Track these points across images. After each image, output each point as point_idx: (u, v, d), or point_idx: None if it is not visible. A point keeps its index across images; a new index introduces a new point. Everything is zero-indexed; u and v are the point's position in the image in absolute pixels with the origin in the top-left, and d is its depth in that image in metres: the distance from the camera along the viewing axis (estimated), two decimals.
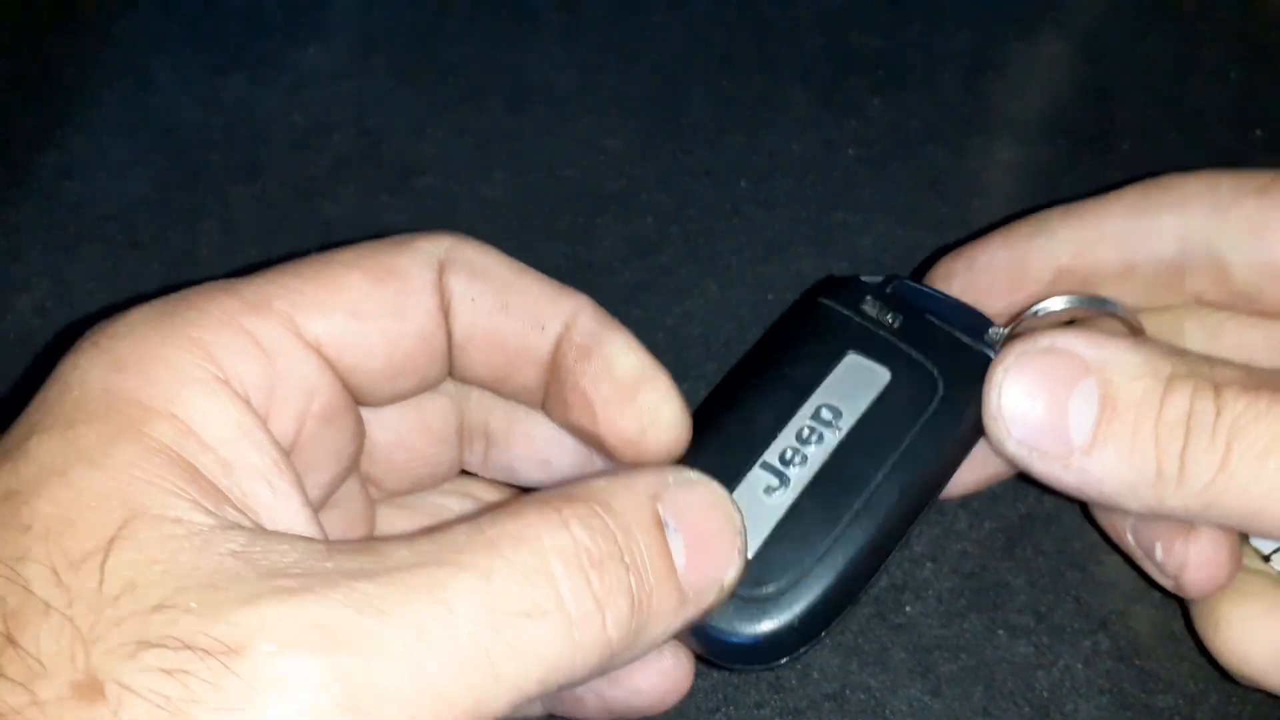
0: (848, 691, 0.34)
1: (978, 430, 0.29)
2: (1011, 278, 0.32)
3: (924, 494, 0.29)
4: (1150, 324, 0.32)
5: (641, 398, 0.28)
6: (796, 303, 0.32)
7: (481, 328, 0.28)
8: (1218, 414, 0.26)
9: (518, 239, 0.44)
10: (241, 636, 0.19)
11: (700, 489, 0.26)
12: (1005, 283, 0.32)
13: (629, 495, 0.24)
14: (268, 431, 0.24)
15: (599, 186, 0.45)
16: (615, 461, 0.29)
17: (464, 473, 0.33)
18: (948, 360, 0.30)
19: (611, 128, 0.47)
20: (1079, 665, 0.34)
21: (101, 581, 0.19)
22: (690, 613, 0.25)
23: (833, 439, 0.29)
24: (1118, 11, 0.52)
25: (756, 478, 0.28)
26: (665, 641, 0.25)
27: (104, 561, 0.20)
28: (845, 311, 0.31)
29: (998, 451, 0.29)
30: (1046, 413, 0.27)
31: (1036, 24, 0.51)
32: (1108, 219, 0.32)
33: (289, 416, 0.25)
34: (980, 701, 0.34)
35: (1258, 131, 0.47)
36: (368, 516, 0.31)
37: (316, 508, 0.28)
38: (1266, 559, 0.31)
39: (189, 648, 0.19)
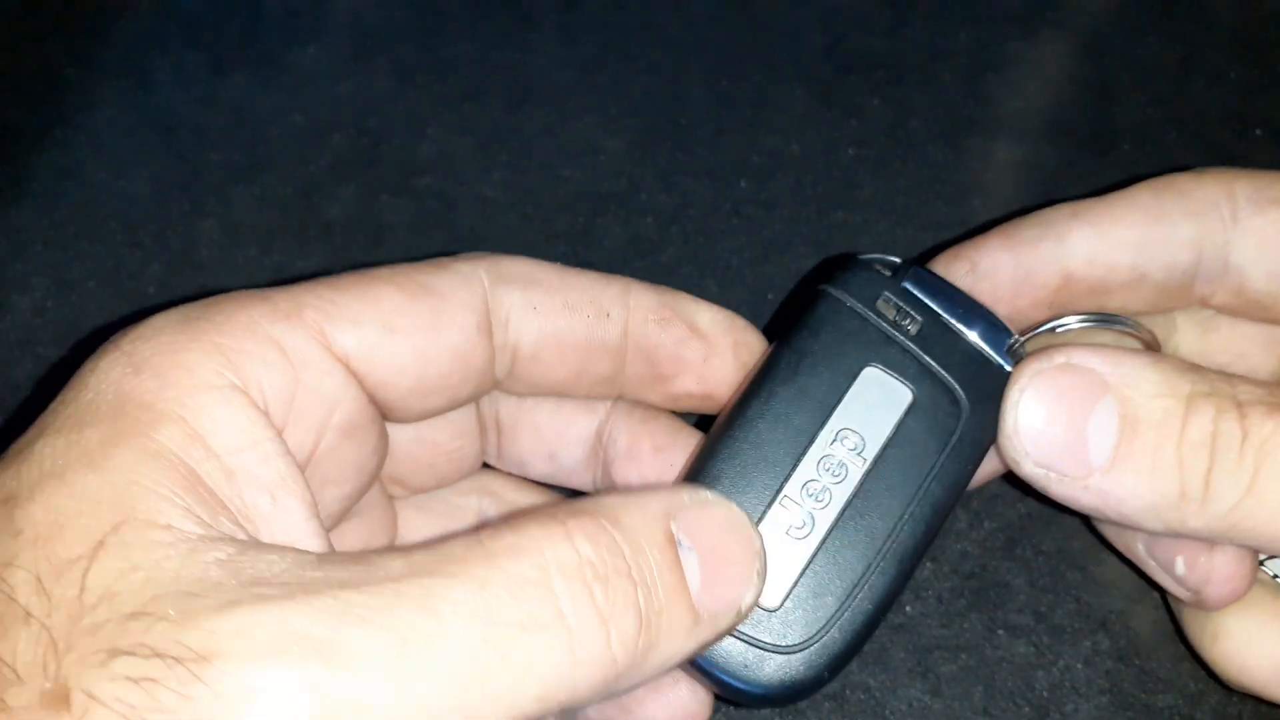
0: (848, 691, 0.34)
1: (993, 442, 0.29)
2: (1016, 283, 0.31)
3: (944, 518, 0.29)
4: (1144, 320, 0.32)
5: (735, 338, 0.29)
6: (804, 293, 0.30)
7: (551, 331, 0.28)
8: (1244, 435, 0.25)
9: (518, 239, 0.44)
10: (213, 644, 0.18)
11: (718, 509, 0.25)
12: (1009, 288, 0.31)
13: (640, 512, 0.23)
14: (280, 442, 0.23)
15: (599, 186, 0.46)
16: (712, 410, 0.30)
17: (485, 466, 0.32)
18: (971, 378, 0.29)
19: (611, 128, 0.47)
20: (1079, 665, 0.34)
21: (82, 589, 0.19)
22: (705, 635, 0.24)
23: (856, 472, 0.28)
24: (1118, 11, 0.52)
25: (779, 516, 0.28)
26: (678, 664, 0.24)
27: (87, 569, 0.19)
28: (860, 310, 0.29)
29: (1014, 470, 0.28)
30: (1065, 433, 0.26)
31: (1036, 24, 0.51)
32: (1120, 225, 0.30)
33: (308, 427, 0.25)
34: (980, 701, 0.34)
35: (1258, 131, 0.47)
36: (389, 524, 0.30)
37: (336, 520, 0.28)
38: (1260, 564, 0.31)
39: (159, 655, 0.18)
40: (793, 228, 0.44)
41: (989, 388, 0.28)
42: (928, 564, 0.36)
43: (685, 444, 0.30)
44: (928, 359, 0.29)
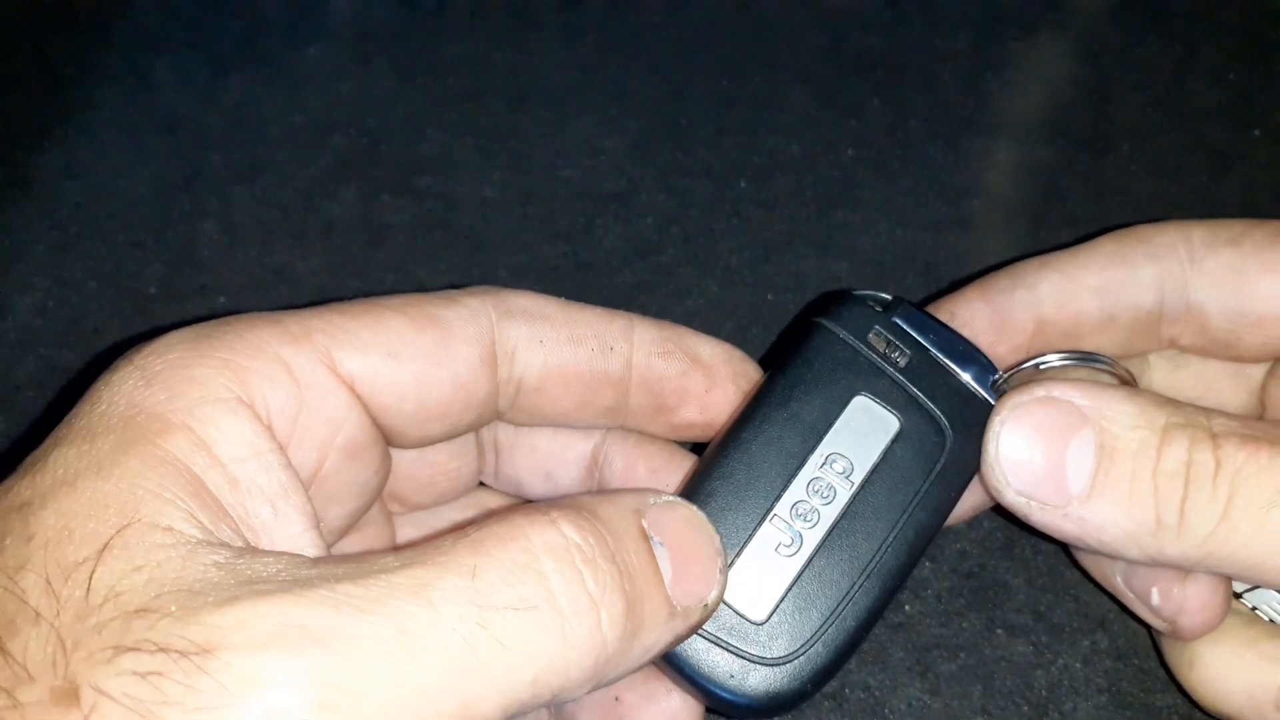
0: (847, 691, 0.34)
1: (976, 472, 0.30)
2: (994, 331, 0.33)
3: (927, 542, 0.30)
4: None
5: (735, 369, 0.30)
6: (798, 323, 0.31)
7: (556, 364, 0.29)
8: (1218, 465, 0.26)
9: (518, 239, 0.44)
10: (215, 637, 0.19)
11: (680, 509, 0.26)
12: (988, 334, 0.32)
13: (614, 506, 0.24)
14: (283, 455, 0.24)
15: (599, 186, 0.46)
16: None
17: (481, 485, 0.33)
18: (956, 409, 0.30)
19: (611, 128, 0.47)
20: (1078, 664, 0.34)
21: (89, 590, 0.20)
22: (679, 628, 0.25)
23: (844, 494, 0.29)
24: (1117, 12, 0.52)
25: (769, 534, 0.29)
26: (656, 657, 0.25)
27: (93, 570, 0.20)
28: (852, 342, 0.30)
29: (996, 499, 0.29)
30: (1044, 462, 0.27)
31: (1036, 24, 0.51)
32: (1087, 271, 0.32)
33: (312, 446, 0.26)
34: (979, 700, 0.34)
35: (1256, 131, 0.47)
36: (388, 539, 0.31)
37: (338, 536, 0.29)
38: (1239, 596, 0.32)
39: (164, 650, 0.19)
40: (793, 228, 0.44)
41: (973, 419, 0.30)
42: (927, 563, 0.36)
43: (680, 466, 0.31)
44: (915, 390, 0.30)
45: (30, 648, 0.19)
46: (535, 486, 0.32)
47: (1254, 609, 0.32)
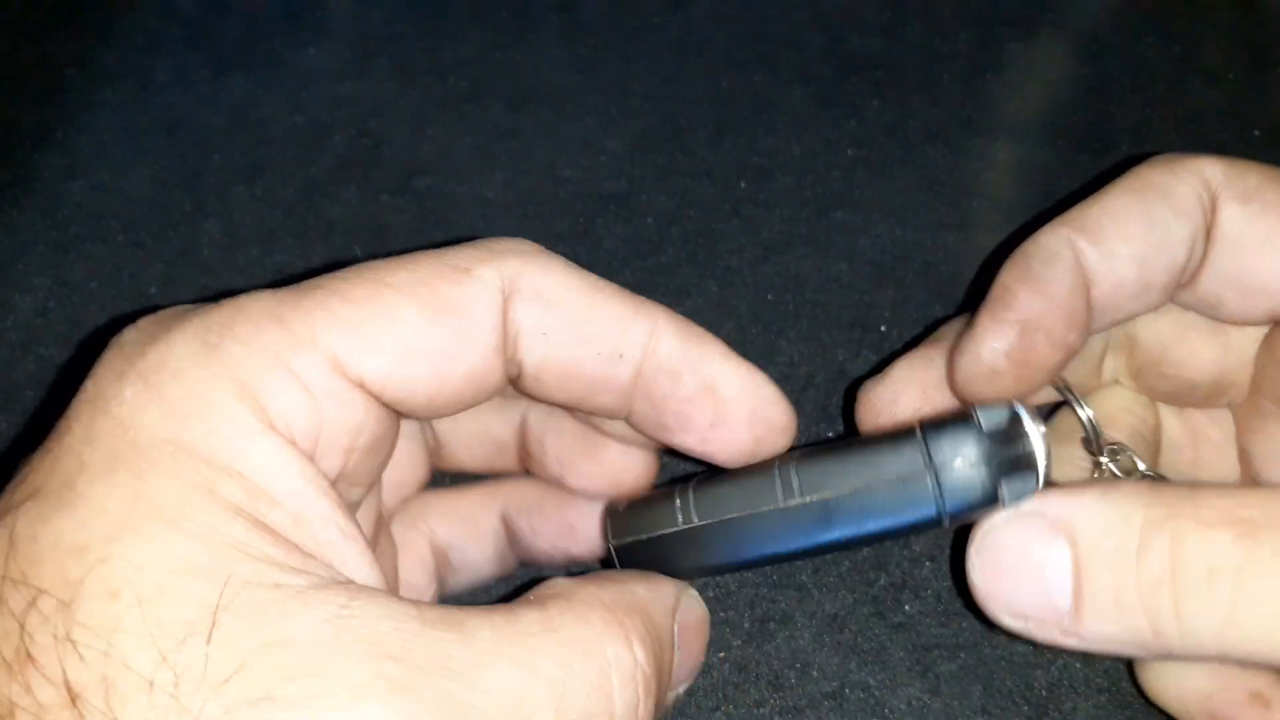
0: (847, 690, 0.34)
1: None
2: (1064, 324, 0.29)
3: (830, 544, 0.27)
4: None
5: (753, 410, 0.28)
6: (913, 452, 0.26)
7: (556, 360, 0.27)
8: (1211, 565, 0.23)
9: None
10: None
11: (700, 612, 0.28)
12: (1061, 331, 0.29)
13: (662, 610, 0.26)
14: (323, 475, 0.24)
15: (599, 186, 0.46)
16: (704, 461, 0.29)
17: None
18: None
19: (611, 128, 0.47)
20: (1077, 664, 0.34)
21: (207, 660, 0.19)
22: (659, 715, 0.26)
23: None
24: (1116, 12, 0.52)
25: None
26: None
27: (209, 637, 0.19)
28: (951, 519, 0.26)
29: (998, 624, 0.27)
30: (1028, 584, 0.26)
31: (1036, 25, 0.51)
32: (1121, 241, 0.29)
33: (335, 455, 0.25)
34: (979, 700, 0.34)
35: (1256, 132, 0.47)
36: (376, 494, 0.31)
37: (357, 509, 0.29)
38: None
39: None
40: (792, 228, 0.44)
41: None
42: (926, 563, 0.36)
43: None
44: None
45: (150, 719, 0.19)
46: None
47: None
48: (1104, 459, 0.31)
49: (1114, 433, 0.32)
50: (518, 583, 0.35)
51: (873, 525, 0.26)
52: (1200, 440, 0.34)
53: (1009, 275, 0.29)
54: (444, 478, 0.35)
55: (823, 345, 0.41)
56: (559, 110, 0.48)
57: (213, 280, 0.43)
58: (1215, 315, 0.31)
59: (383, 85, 0.49)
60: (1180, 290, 0.30)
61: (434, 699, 0.20)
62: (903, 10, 0.51)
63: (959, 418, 0.26)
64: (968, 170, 0.46)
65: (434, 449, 0.34)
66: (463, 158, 0.46)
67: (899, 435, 0.26)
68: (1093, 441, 0.32)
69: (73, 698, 0.19)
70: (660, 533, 0.28)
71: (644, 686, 0.24)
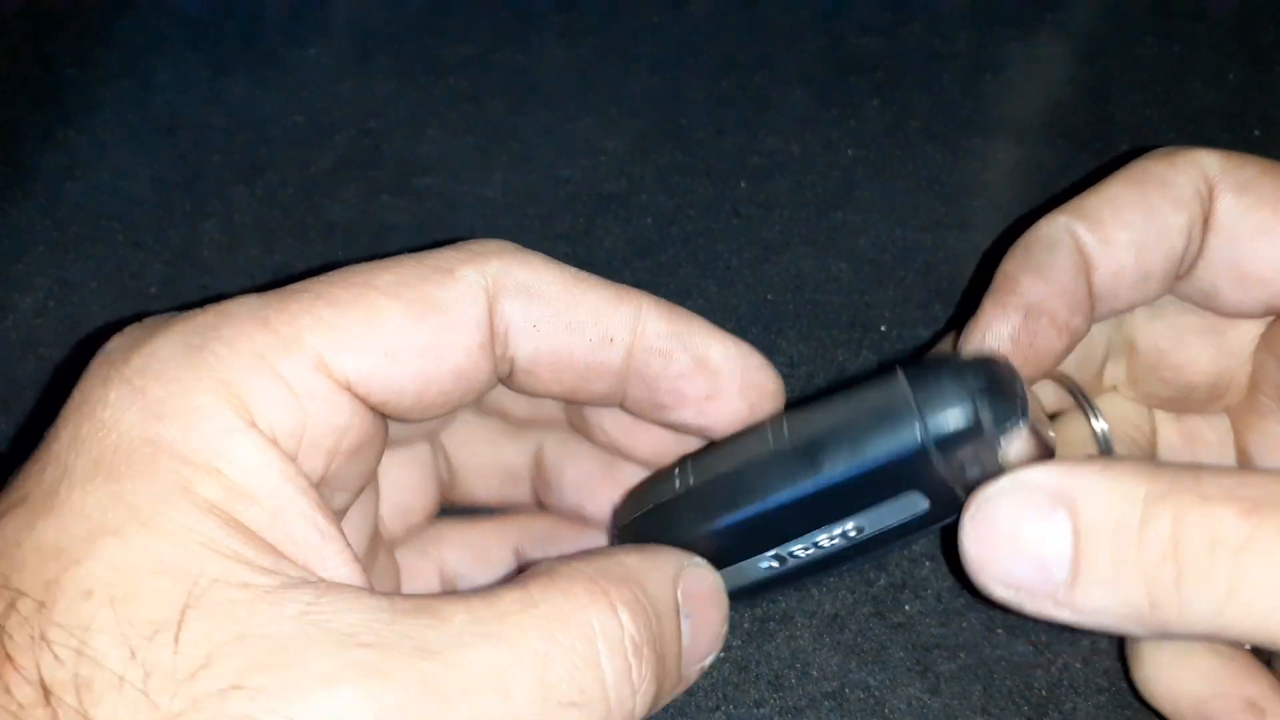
0: (847, 690, 0.34)
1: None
2: (1068, 309, 0.29)
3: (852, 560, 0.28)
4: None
5: (746, 379, 0.28)
6: (899, 394, 0.26)
7: (547, 350, 0.27)
8: (1212, 540, 0.24)
9: (518, 239, 0.44)
10: (314, 717, 0.20)
11: (709, 579, 0.27)
12: (1064, 316, 0.29)
13: (660, 578, 0.25)
14: (304, 474, 0.24)
15: (599, 186, 0.46)
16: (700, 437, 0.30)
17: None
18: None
19: (611, 128, 0.47)
20: (1077, 664, 0.34)
21: (176, 655, 0.19)
22: (680, 690, 0.25)
23: (839, 545, 0.28)
24: (1116, 12, 0.52)
25: (751, 562, 0.28)
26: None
27: (177, 634, 0.20)
28: (939, 454, 0.26)
29: (987, 596, 0.27)
30: (1024, 554, 0.25)
31: (1036, 24, 0.51)
32: (1119, 229, 0.29)
33: (319, 456, 0.25)
34: (979, 700, 0.34)
35: (1256, 132, 0.47)
36: (371, 507, 0.31)
37: (343, 516, 0.28)
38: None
39: None
40: (792, 228, 0.44)
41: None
42: (927, 563, 0.36)
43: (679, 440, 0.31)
44: (962, 492, 0.27)
45: (121, 716, 0.19)
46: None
47: None
48: None
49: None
50: None
51: (860, 461, 0.26)
52: (1197, 445, 0.34)
53: (1011, 264, 0.29)
54: (458, 512, 0.35)
55: (823, 345, 0.41)
56: (559, 110, 0.48)
57: (213, 280, 0.43)
58: (1212, 306, 0.31)
59: (383, 85, 0.49)
60: (1178, 282, 0.30)
61: (409, 680, 0.20)
62: (903, 10, 0.51)
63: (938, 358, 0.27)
64: (968, 170, 0.46)
65: (448, 482, 0.34)
66: (463, 158, 0.46)
67: (881, 374, 0.27)
68: (1104, 453, 0.32)
69: (47, 696, 0.19)
70: (660, 501, 0.28)
71: (635, 653, 0.23)
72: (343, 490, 0.27)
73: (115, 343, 0.24)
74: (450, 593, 0.24)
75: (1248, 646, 0.30)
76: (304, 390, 0.24)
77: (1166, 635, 0.26)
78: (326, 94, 0.48)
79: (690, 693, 0.33)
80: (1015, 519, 0.26)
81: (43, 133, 0.47)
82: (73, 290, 0.43)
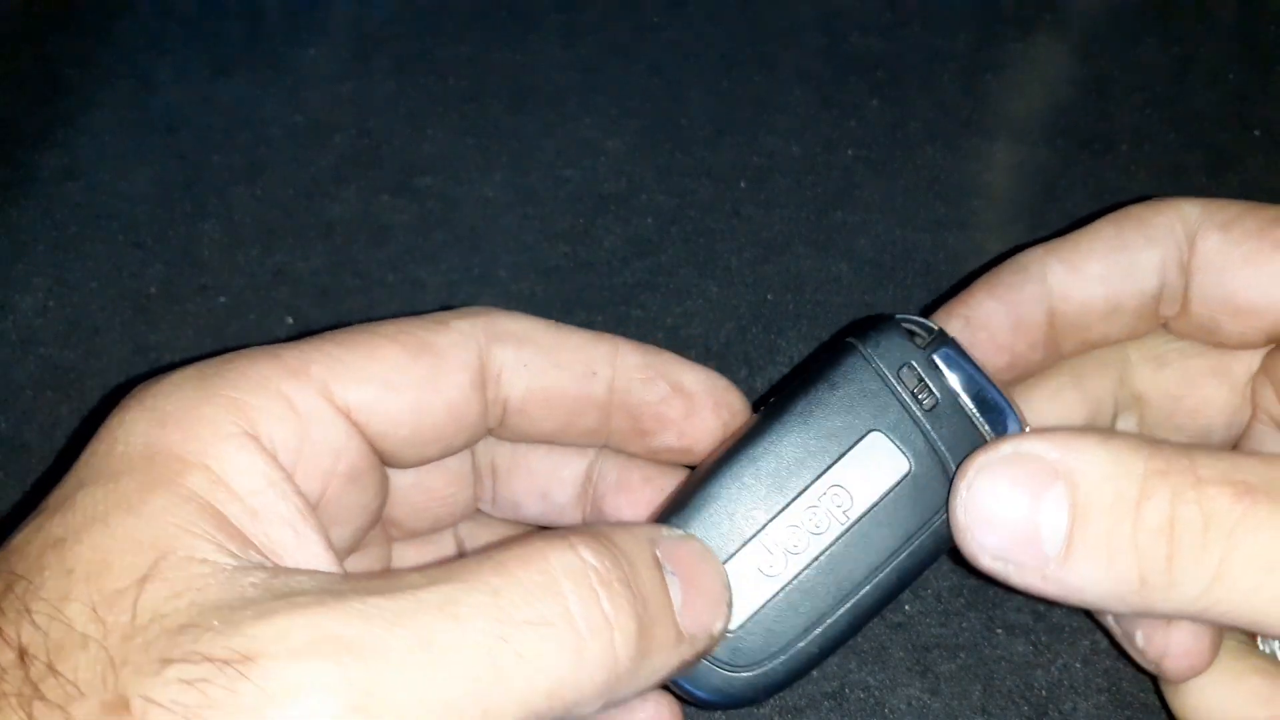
0: (847, 689, 0.34)
1: None
2: (1010, 329, 0.31)
3: (905, 586, 0.29)
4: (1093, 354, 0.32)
5: (717, 399, 0.31)
6: (834, 341, 0.30)
7: (539, 387, 0.30)
8: (1206, 520, 0.24)
9: (518, 239, 0.44)
10: (256, 646, 0.20)
11: (692, 543, 0.28)
12: (1005, 335, 0.31)
13: (629, 535, 0.25)
14: (293, 484, 0.25)
15: (599, 186, 0.46)
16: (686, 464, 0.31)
17: (479, 512, 0.34)
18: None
19: (611, 128, 0.47)
20: (1077, 664, 0.34)
21: (134, 614, 0.21)
22: (686, 654, 0.25)
23: (836, 529, 0.29)
24: (1116, 13, 0.52)
25: (756, 553, 0.29)
26: (663, 679, 0.25)
27: (137, 597, 0.21)
28: (882, 373, 0.29)
29: (972, 564, 0.27)
30: (1016, 525, 0.26)
31: (1035, 25, 0.51)
32: (1090, 259, 0.31)
33: (316, 475, 0.26)
34: (979, 700, 0.34)
35: (1256, 132, 0.47)
36: (385, 561, 0.32)
37: (343, 556, 0.29)
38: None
39: (208, 660, 0.20)
40: (792, 228, 0.44)
41: None
42: None
43: (675, 473, 0.32)
44: (934, 437, 0.29)
45: (80, 668, 0.20)
46: (532, 507, 0.33)
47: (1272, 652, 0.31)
48: None
49: None
50: None
51: (807, 385, 0.29)
52: None
53: (978, 281, 0.32)
54: None
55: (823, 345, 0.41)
56: (559, 110, 0.48)
57: (212, 280, 0.43)
58: (1216, 341, 0.32)
59: (383, 85, 0.49)
60: (1175, 320, 0.32)
61: (345, 612, 0.21)
62: (903, 10, 0.51)
63: None
64: (968, 170, 0.46)
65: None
66: (463, 158, 0.46)
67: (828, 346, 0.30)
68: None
69: (22, 655, 0.21)
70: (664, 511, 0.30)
71: (602, 583, 0.23)
72: (341, 524, 0.28)
73: (142, 384, 0.26)
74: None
75: (1227, 630, 0.30)
76: (306, 411, 0.26)
77: (1146, 614, 0.26)
78: (326, 94, 0.49)
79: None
80: (1011, 489, 0.26)
81: (43, 132, 0.47)
82: (73, 290, 0.43)
